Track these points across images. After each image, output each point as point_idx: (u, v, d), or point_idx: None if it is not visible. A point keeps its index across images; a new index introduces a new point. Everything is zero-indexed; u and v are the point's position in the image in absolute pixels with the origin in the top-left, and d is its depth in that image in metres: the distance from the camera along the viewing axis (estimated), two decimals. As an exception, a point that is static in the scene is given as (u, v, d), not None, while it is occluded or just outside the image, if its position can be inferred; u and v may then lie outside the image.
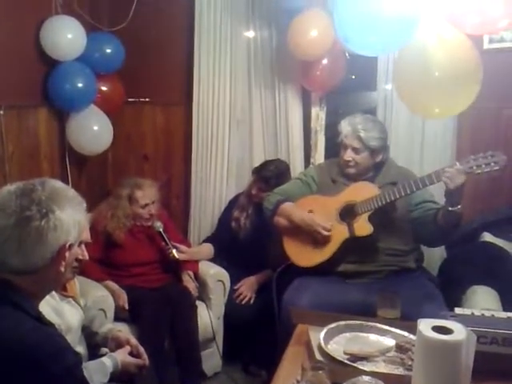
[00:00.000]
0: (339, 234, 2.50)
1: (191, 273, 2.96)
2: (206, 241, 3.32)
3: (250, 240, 3.12)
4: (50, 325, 1.33)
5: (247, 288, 3.02)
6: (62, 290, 1.87)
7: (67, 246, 1.31)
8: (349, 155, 2.53)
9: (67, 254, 1.32)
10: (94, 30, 3.28)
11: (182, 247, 2.97)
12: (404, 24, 2.20)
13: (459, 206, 2.25)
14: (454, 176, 2.18)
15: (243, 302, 2.98)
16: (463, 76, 2.25)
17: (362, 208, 2.45)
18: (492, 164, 2.16)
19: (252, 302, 2.99)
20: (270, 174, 3.04)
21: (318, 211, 2.57)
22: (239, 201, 3.24)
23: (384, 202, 2.39)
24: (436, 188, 2.40)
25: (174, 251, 2.89)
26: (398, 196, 2.36)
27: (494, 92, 2.70)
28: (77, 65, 3.05)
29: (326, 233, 2.48)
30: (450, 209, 2.26)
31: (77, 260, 1.40)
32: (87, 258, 1.44)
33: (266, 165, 3.15)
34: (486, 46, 2.88)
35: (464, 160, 2.21)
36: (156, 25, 3.48)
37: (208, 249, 3.21)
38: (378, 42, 2.30)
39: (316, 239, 2.54)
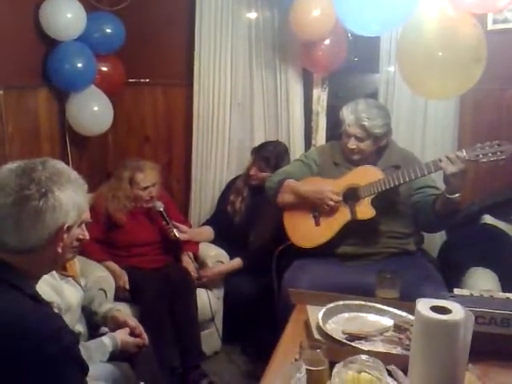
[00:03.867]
0: (341, 216, 2.49)
1: (191, 254, 2.97)
2: (205, 223, 3.32)
3: (244, 223, 3.12)
4: (46, 304, 1.33)
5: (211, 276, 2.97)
6: (62, 269, 1.88)
7: (65, 227, 1.30)
8: (353, 143, 2.51)
9: (65, 235, 1.31)
10: (94, 10, 3.24)
11: (183, 227, 2.97)
12: (400, 3, 2.18)
13: (457, 195, 2.24)
14: (452, 162, 2.17)
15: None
16: (467, 55, 2.23)
17: (365, 192, 2.44)
18: (498, 153, 2.16)
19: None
20: (269, 154, 3.05)
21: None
22: (236, 184, 3.24)
23: (387, 187, 2.39)
24: (438, 173, 2.38)
25: (175, 231, 2.90)
26: (401, 181, 2.36)
27: (497, 73, 2.67)
28: (77, 45, 3.03)
29: (335, 197, 2.46)
30: (447, 196, 2.26)
31: (78, 240, 1.40)
32: (88, 237, 1.44)
33: (264, 145, 3.16)
34: (489, 26, 2.85)
35: (470, 148, 2.20)
36: (157, 5, 3.45)
37: (209, 231, 3.21)
38: (374, 21, 2.28)
39: (319, 217, 2.54)
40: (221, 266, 3.00)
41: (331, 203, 2.47)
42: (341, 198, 2.49)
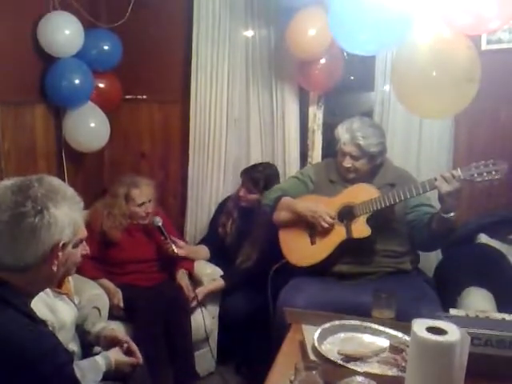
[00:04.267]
0: (337, 235, 2.49)
1: (186, 271, 2.95)
2: (200, 242, 3.31)
3: (235, 245, 3.11)
4: (41, 322, 1.32)
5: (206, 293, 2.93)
6: (57, 286, 1.87)
7: (60, 245, 1.29)
8: (348, 162, 2.51)
9: (60, 253, 1.30)
10: (92, 27, 3.26)
11: (181, 242, 2.97)
12: (395, 23, 2.21)
13: (452, 214, 2.25)
14: (446, 181, 2.19)
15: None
16: (460, 76, 2.25)
17: (361, 210, 2.44)
18: (493, 173, 2.16)
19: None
20: (259, 176, 3.05)
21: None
22: (227, 206, 3.24)
23: (383, 205, 2.38)
24: (433, 192, 2.38)
25: (173, 246, 2.88)
26: (397, 200, 2.36)
27: (492, 93, 2.69)
28: (74, 61, 3.04)
29: (330, 220, 2.46)
30: (442, 215, 2.26)
31: (82, 256, 1.41)
32: (89, 251, 1.45)
33: (254, 166, 3.16)
34: (483, 46, 2.88)
35: (465, 167, 2.21)
36: (154, 22, 3.47)
37: (205, 250, 3.20)
38: (368, 41, 2.30)
39: (314, 235, 2.54)
40: (206, 286, 2.94)
41: (325, 225, 2.47)
42: (335, 220, 2.49)
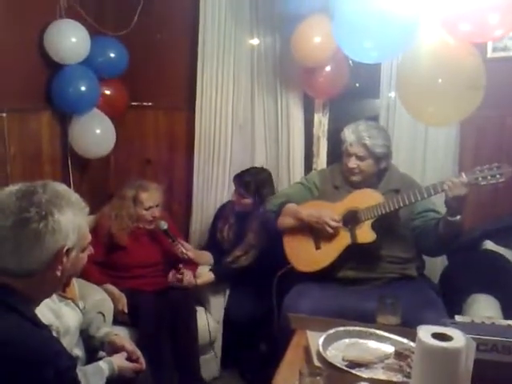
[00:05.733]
0: (342, 240, 2.49)
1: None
2: (202, 249, 3.31)
3: (232, 250, 3.09)
4: (45, 327, 1.32)
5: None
6: (62, 290, 1.87)
7: (64, 250, 1.29)
8: (353, 163, 2.52)
9: (64, 258, 1.30)
10: (98, 34, 3.28)
11: (187, 245, 2.97)
12: (400, 31, 2.21)
13: (459, 217, 2.25)
14: (455, 187, 2.19)
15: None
16: (464, 83, 2.25)
17: (366, 215, 2.44)
18: (497, 176, 2.18)
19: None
20: (250, 179, 3.05)
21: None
22: (224, 211, 3.25)
23: (388, 210, 2.39)
24: (439, 197, 2.38)
25: (182, 248, 2.89)
26: (401, 205, 2.36)
27: (498, 100, 2.69)
28: (80, 68, 3.06)
29: (334, 224, 2.46)
30: (449, 218, 2.26)
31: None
32: (93, 251, 1.46)
33: (246, 171, 3.17)
34: (489, 54, 2.88)
35: (470, 171, 2.22)
36: (160, 30, 3.50)
37: (208, 255, 3.20)
38: (373, 49, 2.31)
39: (319, 240, 2.54)
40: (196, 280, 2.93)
41: (330, 230, 2.47)
42: (340, 224, 2.49)
